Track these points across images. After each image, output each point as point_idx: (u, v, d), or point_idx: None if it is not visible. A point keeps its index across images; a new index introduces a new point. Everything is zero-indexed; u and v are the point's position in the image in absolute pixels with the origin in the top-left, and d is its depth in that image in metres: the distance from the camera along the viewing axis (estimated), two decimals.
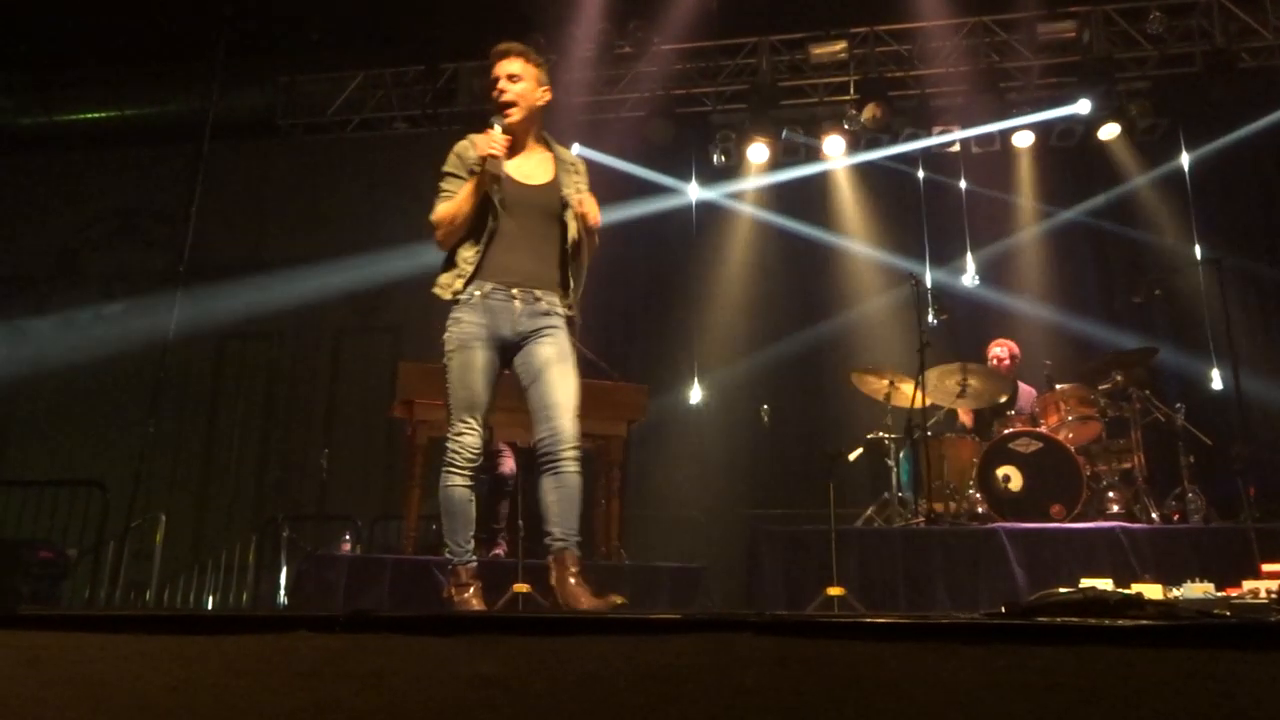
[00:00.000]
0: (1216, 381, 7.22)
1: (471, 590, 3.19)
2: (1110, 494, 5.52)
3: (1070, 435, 5.71)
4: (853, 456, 5.88)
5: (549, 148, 3.40)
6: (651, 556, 6.07)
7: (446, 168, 3.31)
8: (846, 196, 8.72)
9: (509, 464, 5.69)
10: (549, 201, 3.27)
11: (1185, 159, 8.05)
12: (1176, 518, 5.39)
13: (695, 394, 8.19)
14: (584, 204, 3.24)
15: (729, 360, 8.22)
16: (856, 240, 8.53)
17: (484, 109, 3.40)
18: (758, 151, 8.40)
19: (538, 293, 3.22)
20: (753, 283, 8.56)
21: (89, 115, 9.25)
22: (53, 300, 9.34)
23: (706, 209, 8.77)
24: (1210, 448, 5.62)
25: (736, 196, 8.78)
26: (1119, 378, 5.75)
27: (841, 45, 8.24)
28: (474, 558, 3.25)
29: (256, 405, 9.13)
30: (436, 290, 3.28)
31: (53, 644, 1.63)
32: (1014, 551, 4.80)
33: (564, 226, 3.28)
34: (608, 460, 5.41)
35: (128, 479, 6.46)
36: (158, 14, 7.84)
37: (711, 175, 8.80)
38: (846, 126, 8.25)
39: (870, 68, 8.26)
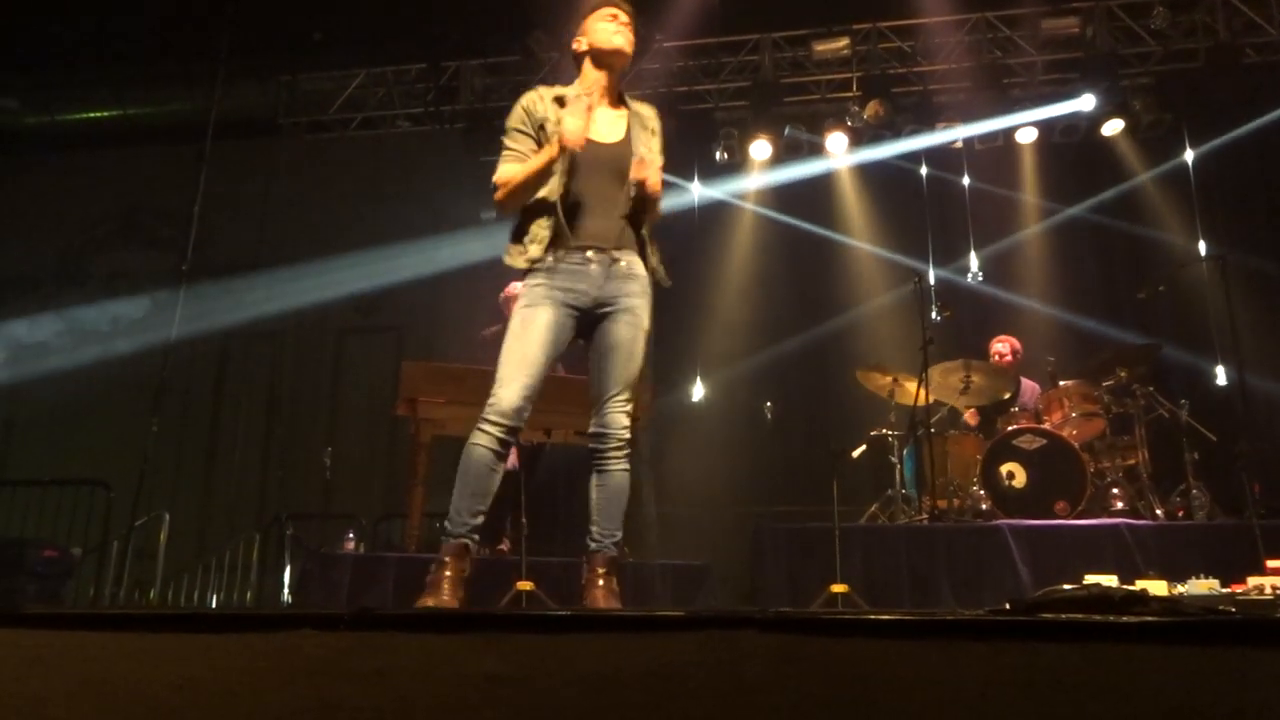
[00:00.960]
0: (1221, 378, 7.20)
1: (448, 574, 2.81)
2: (1114, 490, 5.51)
3: (1074, 432, 5.70)
4: (856, 454, 5.88)
5: (624, 103, 3.22)
6: (655, 554, 6.07)
7: (513, 123, 3.13)
8: (849, 193, 8.71)
9: (512, 460, 5.69)
10: (622, 161, 3.06)
11: (1189, 155, 8.03)
12: (1181, 514, 5.39)
13: (698, 391, 8.19)
14: (642, 168, 3.01)
15: (732, 358, 8.21)
16: (859, 237, 8.52)
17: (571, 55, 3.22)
18: (760, 149, 8.39)
19: (615, 254, 3.03)
20: (755, 280, 8.55)
21: (92, 115, 9.27)
22: (56, 300, 9.36)
23: (709, 206, 8.76)
24: (1214, 444, 5.61)
25: (739, 194, 8.77)
26: (1123, 374, 5.74)
27: (844, 42, 8.23)
28: (466, 536, 2.87)
29: (260, 404, 9.14)
30: (508, 260, 3.07)
31: (57, 643, 1.63)
32: (1018, 548, 4.80)
33: (636, 187, 3.06)
34: None
35: (132, 478, 6.47)
36: (160, 14, 7.84)
37: (714, 172, 8.79)
38: (849, 123, 8.24)
39: (873, 64, 8.25)
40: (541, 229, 3.00)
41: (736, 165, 8.70)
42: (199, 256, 7.04)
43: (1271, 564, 4.00)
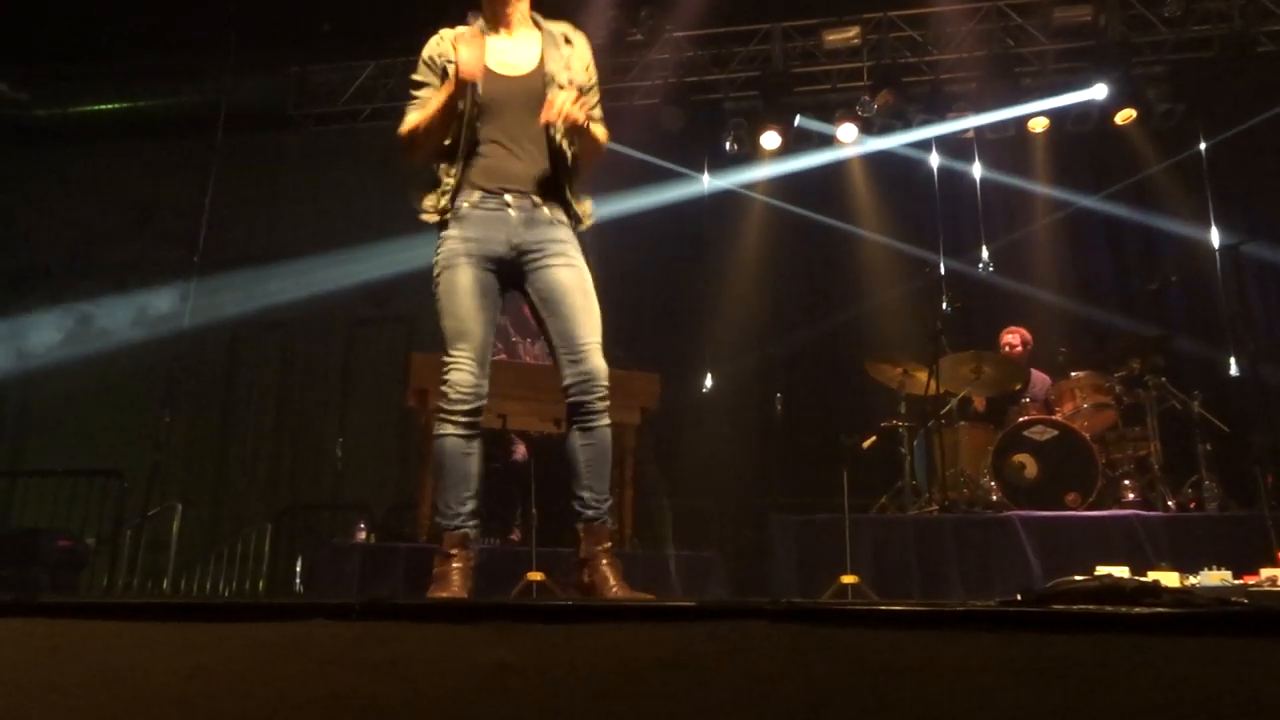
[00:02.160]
0: (1233, 368, 7.16)
1: (455, 565, 2.68)
2: (1126, 482, 5.49)
3: (1085, 423, 5.68)
4: (866, 445, 5.87)
5: (538, 26, 2.93)
6: (664, 545, 6.08)
7: (417, 75, 2.94)
8: (860, 184, 8.67)
9: (521, 451, 5.71)
10: (533, 91, 2.79)
11: (1202, 145, 7.96)
12: (1193, 505, 5.37)
13: (708, 382, 8.18)
14: (549, 108, 2.70)
15: (742, 348, 8.20)
16: (869, 228, 8.49)
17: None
18: (770, 139, 8.36)
19: (535, 198, 2.78)
20: (765, 270, 8.53)
21: (102, 107, 9.30)
22: (68, 291, 9.39)
23: (719, 196, 8.74)
24: (1227, 435, 5.59)
25: (749, 184, 8.75)
26: (1135, 365, 5.71)
27: (854, 31, 8.19)
28: (461, 525, 2.74)
29: (271, 395, 9.18)
30: (423, 217, 2.85)
31: (72, 632, 1.65)
32: (1029, 539, 4.79)
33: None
34: (620, 448, 5.41)
35: (144, 469, 6.51)
36: (169, 6, 7.85)
37: (724, 163, 8.77)
38: (860, 113, 8.20)
39: (884, 54, 8.21)
40: (447, 175, 2.80)
41: (746, 155, 8.68)
42: (210, 248, 7.06)
43: None
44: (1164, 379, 5.70)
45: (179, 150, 8.97)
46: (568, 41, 2.92)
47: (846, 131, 8.27)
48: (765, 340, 8.19)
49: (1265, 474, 5.08)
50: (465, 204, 2.78)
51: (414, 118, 2.85)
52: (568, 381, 2.73)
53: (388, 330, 9.00)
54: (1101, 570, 3.68)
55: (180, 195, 8.94)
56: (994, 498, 5.50)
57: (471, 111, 2.78)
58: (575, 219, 2.86)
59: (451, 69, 2.79)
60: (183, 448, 8.61)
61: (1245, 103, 7.80)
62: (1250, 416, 5.68)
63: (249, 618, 1.60)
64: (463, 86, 2.74)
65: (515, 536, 5.53)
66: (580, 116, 2.72)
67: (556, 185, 2.82)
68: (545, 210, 2.79)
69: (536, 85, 2.81)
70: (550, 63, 2.84)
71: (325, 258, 8.48)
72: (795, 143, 8.57)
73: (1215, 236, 7.62)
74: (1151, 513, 5.03)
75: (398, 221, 8.46)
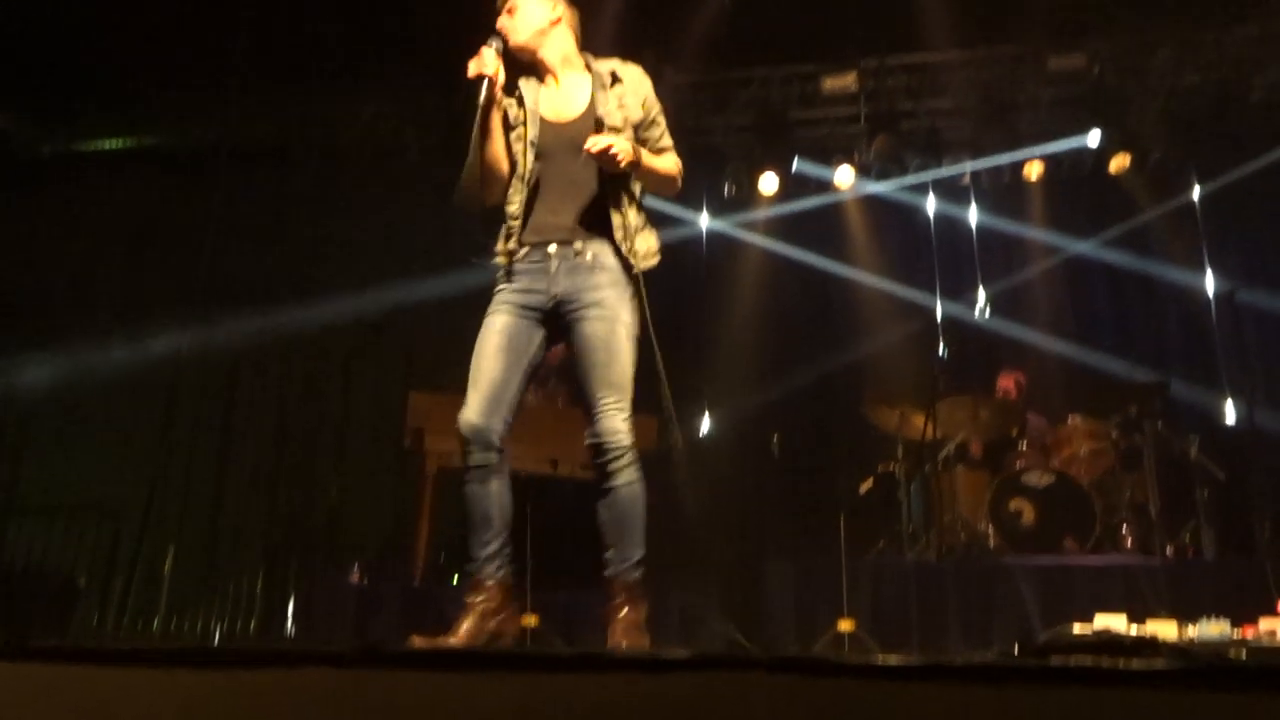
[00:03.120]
0: (1230, 415, 7.17)
1: (469, 614, 2.69)
2: (1123, 528, 5.48)
3: (1082, 468, 5.68)
4: (864, 488, 5.86)
5: (587, 68, 2.94)
6: (661, 589, 6.03)
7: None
8: (857, 227, 8.73)
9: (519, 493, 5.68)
10: (582, 136, 2.76)
11: (1196, 191, 8.04)
12: (1191, 552, 5.34)
13: (705, 424, 8.17)
14: (599, 143, 2.66)
15: (739, 391, 8.20)
16: (867, 271, 8.53)
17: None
18: (768, 182, 8.43)
19: (578, 245, 2.79)
20: (763, 313, 8.55)
21: (108, 143, 9.38)
22: (66, 325, 9.40)
23: (717, 239, 8.79)
24: (1224, 482, 5.57)
25: (747, 226, 8.80)
26: (1131, 410, 5.72)
27: (852, 77, 8.28)
28: (478, 570, 2.75)
29: (268, 432, 9.14)
30: (496, 260, 2.87)
31: (62, 677, 1.63)
32: (1027, 586, 4.77)
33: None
34: None
35: (138, 506, 6.47)
36: (176, 42, 7.95)
37: (722, 205, 8.83)
38: (857, 157, 8.28)
39: (880, 99, 8.30)
40: (513, 222, 2.83)
41: (744, 198, 8.74)
42: (210, 282, 7.08)
43: None
44: (1161, 424, 5.70)
45: (181, 184, 9.02)
46: (617, 79, 2.90)
47: (844, 175, 8.34)
48: (762, 383, 8.18)
49: (1263, 521, 5.07)
50: (515, 256, 2.81)
51: (474, 163, 2.86)
52: (587, 441, 2.77)
53: (386, 367, 8.99)
54: (1100, 619, 3.66)
55: (181, 228, 8.99)
56: (991, 543, 5.48)
57: (528, 156, 2.80)
58: (626, 262, 2.84)
59: (514, 115, 2.85)
60: (178, 485, 8.56)
61: (1238, 150, 7.89)
62: (1247, 463, 5.67)
63: (241, 664, 1.59)
64: (477, 88, 2.73)
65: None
66: (621, 160, 2.69)
67: (604, 229, 2.81)
68: (588, 256, 2.79)
69: (586, 129, 2.80)
70: (600, 105, 2.84)
71: (324, 292, 8.50)
72: (793, 186, 8.64)
73: (1210, 282, 7.66)
74: (1149, 559, 5.01)
75: (397, 258, 8.51)
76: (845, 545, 4.82)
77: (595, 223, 2.81)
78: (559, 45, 2.93)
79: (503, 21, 2.89)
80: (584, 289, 2.77)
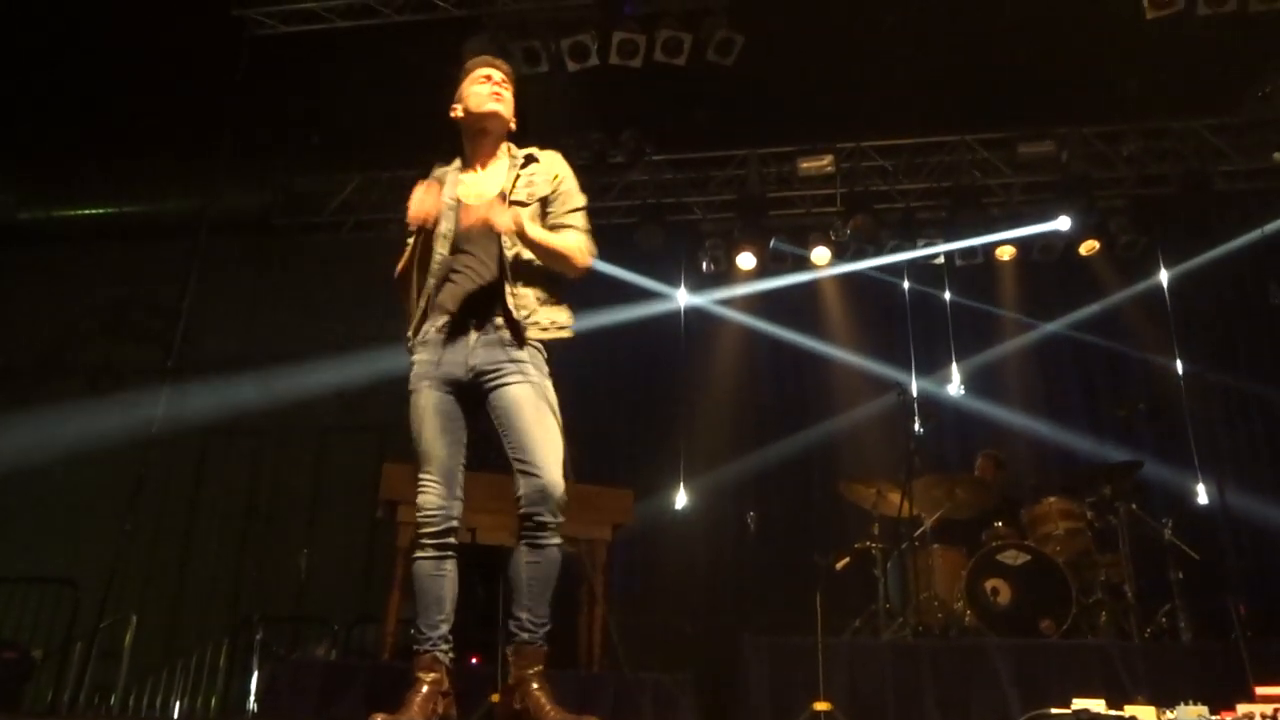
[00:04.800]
0: (1202, 496, 7.22)
1: (419, 691, 2.68)
2: (1100, 609, 5.46)
3: (1058, 548, 5.68)
4: (840, 566, 5.82)
5: (510, 154, 3.10)
6: (634, 665, 5.93)
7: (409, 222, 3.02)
8: (834, 305, 8.84)
9: (492, 569, 5.60)
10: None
11: (1164, 275, 8.21)
12: (1167, 634, 5.32)
13: (681, 499, 8.13)
14: (492, 211, 2.79)
15: (715, 465, 8.18)
16: (843, 348, 8.61)
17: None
18: (746, 259, 8.55)
19: (497, 321, 2.85)
20: (740, 388, 8.60)
21: (87, 211, 9.39)
22: (37, 393, 9.29)
23: (695, 315, 8.87)
24: (1199, 563, 5.58)
25: (725, 303, 8.89)
26: (1106, 490, 5.74)
27: (828, 159, 8.48)
28: (430, 648, 2.75)
29: (238, 503, 9.01)
30: (408, 345, 2.98)
31: None
32: (1004, 667, 4.71)
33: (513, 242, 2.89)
34: (592, 565, 5.34)
35: (101, 577, 6.32)
36: (161, 114, 8.03)
37: (700, 282, 8.93)
38: (833, 237, 8.43)
39: (856, 181, 8.49)
40: (422, 301, 2.94)
41: (722, 275, 8.85)
42: (187, 352, 7.04)
43: (1261, 690, 3.94)
44: (1135, 505, 5.72)
45: (161, 254, 9.02)
46: (531, 160, 3.05)
47: (820, 254, 8.48)
48: (739, 458, 8.18)
49: (1238, 603, 5.06)
50: (431, 329, 2.90)
51: (402, 262, 3.04)
52: (518, 494, 2.75)
53: (359, 440, 8.93)
54: (1078, 703, 3.63)
55: (159, 299, 8.97)
56: (968, 623, 5.44)
57: (440, 243, 2.93)
58: (524, 335, 2.86)
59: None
60: (143, 556, 8.37)
61: (1203, 237, 8.10)
62: (1221, 545, 5.69)
63: None
64: (419, 233, 2.92)
65: (476, 659, 5.38)
66: (504, 224, 2.78)
67: (518, 305, 2.87)
68: (506, 332, 2.85)
69: (495, 211, 2.88)
70: (509, 184, 2.98)
71: (300, 365, 8.47)
72: (770, 263, 8.77)
73: (1179, 364, 7.78)
74: (1126, 642, 4.99)
75: (374, 332, 8.53)
76: (821, 623, 4.77)
77: (499, 299, 2.87)
78: (504, 137, 3.10)
79: (493, 104, 3.02)
80: (503, 360, 2.83)
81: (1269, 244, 7.88)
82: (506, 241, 2.88)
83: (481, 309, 2.87)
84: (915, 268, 8.69)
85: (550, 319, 2.93)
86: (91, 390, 9.10)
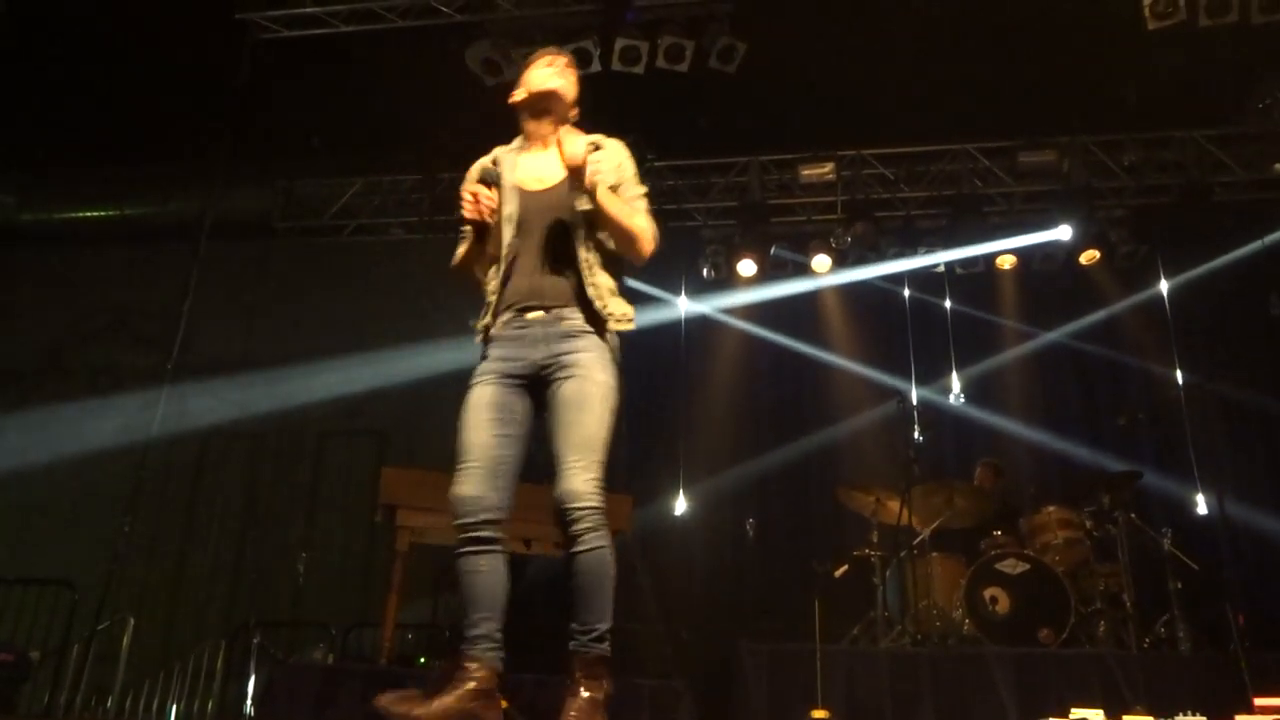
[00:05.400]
0: (1201, 506, 7.22)
1: (450, 692, 2.55)
2: (1099, 618, 5.45)
3: (1057, 557, 5.67)
4: (838, 573, 5.81)
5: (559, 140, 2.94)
6: (632, 672, 5.92)
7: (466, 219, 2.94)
8: (834, 313, 8.84)
9: None
10: (559, 203, 2.84)
11: (1164, 285, 8.22)
12: (1166, 644, 5.31)
13: (680, 505, 8.13)
14: (573, 157, 2.70)
15: (715, 473, 8.18)
16: (843, 356, 8.61)
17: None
18: (747, 266, 8.56)
19: (556, 311, 2.77)
20: (740, 395, 8.60)
21: (89, 213, 9.40)
22: (37, 395, 9.29)
23: (695, 321, 8.87)
24: (1198, 573, 5.58)
25: (725, 310, 8.89)
26: (1105, 500, 5.73)
27: (829, 167, 8.49)
28: (469, 649, 2.63)
29: (236, 506, 9.00)
30: (477, 338, 2.89)
31: None
32: (1002, 676, 4.70)
33: (579, 228, 2.81)
34: None
35: (99, 579, 6.32)
36: (163, 117, 8.04)
37: (700, 288, 8.93)
38: (834, 244, 8.43)
39: (857, 189, 8.50)
40: (491, 296, 2.85)
41: (723, 282, 8.86)
42: (187, 355, 7.05)
43: (1260, 701, 3.94)
44: (1134, 514, 5.72)
45: (162, 257, 9.03)
46: (596, 148, 2.91)
47: (821, 262, 8.49)
48: (738, 465, 8.18)
49: (1237, 614, 5.05)
50: (498, 324, 2.81)
51: (458, 252, 2.98)
52: (553, 506, 2.64)
53: (359, 445, 8.93)
54: (1076, 713, 3.62)
55: (160, 302, 8.97)
56: (966, 631, 5.43)
57: (512, 227, 2.84)
58: (602, 325, 2.80)
59: (497, 178, 2.91)
60: (141, 558, 8.37)
61: (1203, 247, 8.11)
62: (1220, 555, 5.69)
63: None
64: (475, 226, 2.85)
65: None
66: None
67: (582, 293, 2.79)
68: (566, 322, 2.77)
69: (562, 195, 2.84)
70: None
71: (300, 369, 8.48)
72: (771, 271, 8.77)
73: (1179, 374, 7.78)
74: (1125, 652, 4.98)
75: (376, 335, 8.53)
76: (820, 631, 4.76)
77: (574, 287, 2.80)
78: (566, 119, 3.00)
79: (556, 80, 2.96)
80: (564, 352, 2.74)
81: (1269, 255, 7.88)
82: (578, 229, 2.81)
83: (550, 298, 2.78)
84: (916, 276, 8.69)
85: (621, 310, 2.87)
86: (92, 392, 9.10)
